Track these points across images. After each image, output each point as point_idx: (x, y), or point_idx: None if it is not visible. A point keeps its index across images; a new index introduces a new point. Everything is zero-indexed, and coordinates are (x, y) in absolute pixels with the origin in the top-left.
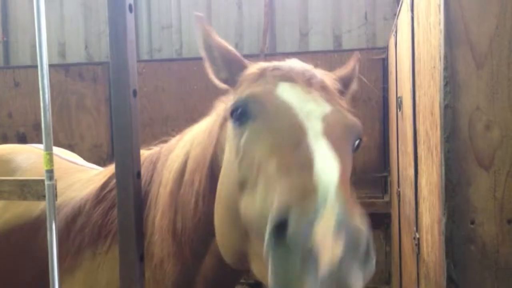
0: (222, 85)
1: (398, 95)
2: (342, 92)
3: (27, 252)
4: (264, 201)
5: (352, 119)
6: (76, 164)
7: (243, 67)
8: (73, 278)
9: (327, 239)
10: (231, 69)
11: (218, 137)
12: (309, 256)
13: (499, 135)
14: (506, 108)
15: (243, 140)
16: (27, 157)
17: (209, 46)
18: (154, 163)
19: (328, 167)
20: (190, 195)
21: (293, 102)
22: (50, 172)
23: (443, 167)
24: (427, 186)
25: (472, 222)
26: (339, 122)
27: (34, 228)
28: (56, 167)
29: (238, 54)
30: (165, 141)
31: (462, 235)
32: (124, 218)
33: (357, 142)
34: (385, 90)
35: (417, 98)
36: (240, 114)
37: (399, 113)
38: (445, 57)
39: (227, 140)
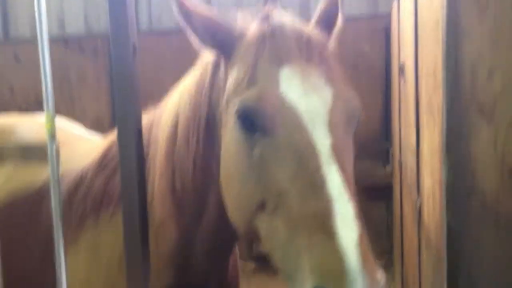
0: (211, 52)
1: (401, 61)
2: (329, 48)
3: (31, 223)
4: (290, 245)
5: (352, 100)
6: (78, 134)
7: (233, 37)
8: (77, 246)
9: None
10: (218, 40)
11: (211, 97)
12: None
13: (501, 84)
14: (510, 56)
15: (256, 156)
16: (29, 127)
17: (188, 17)
18: (150, 127)
19: (348, 229)
20: (186, 156)
21: (298, 105)
22: (52, 134)
23: (444, 120)
24: (428, 150)
25: (473, 174)
26: (343, 114)
27: (38, 199)
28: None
29: (223, 22)
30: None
31: (463, 187)
32: (126, 177)
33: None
34: (388, 60)
35: (419, 61)
36: (246, 120)
37: (401, 80)
38: (448, 2)
39: (229, 131)
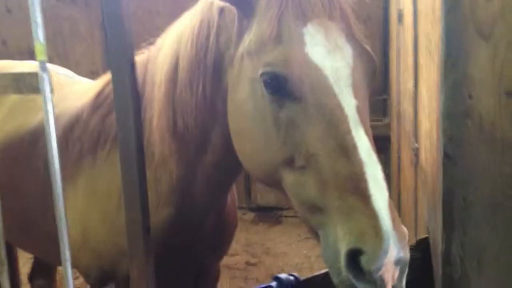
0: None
1: (400, 8)
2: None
3: (28, 162)
4: (320, 203)
5: (371, 58)
6: (70, 77)
7: None
8: (75, 184)
9: (390, 270)
10: None
11: (218, 41)
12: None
13: (501, 4)
14: None
15: (283, 117)
16: (22, 66)
17: None
18: (145, 65)
19: (379, 191)
20: (189, 96)
21: (324, 67)
22: (43, 63)
23: (443, 44)
24: (426, 91)
25: (470, 96)
26: (363, 74)
27: (33, 139)
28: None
29: None
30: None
31: (459, 110)
32: (122, 112)
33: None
34: (386, 9)
35: (418, 4)
36: (273, 82)
37: (400, 28)
38: None
39: (245, 85)
